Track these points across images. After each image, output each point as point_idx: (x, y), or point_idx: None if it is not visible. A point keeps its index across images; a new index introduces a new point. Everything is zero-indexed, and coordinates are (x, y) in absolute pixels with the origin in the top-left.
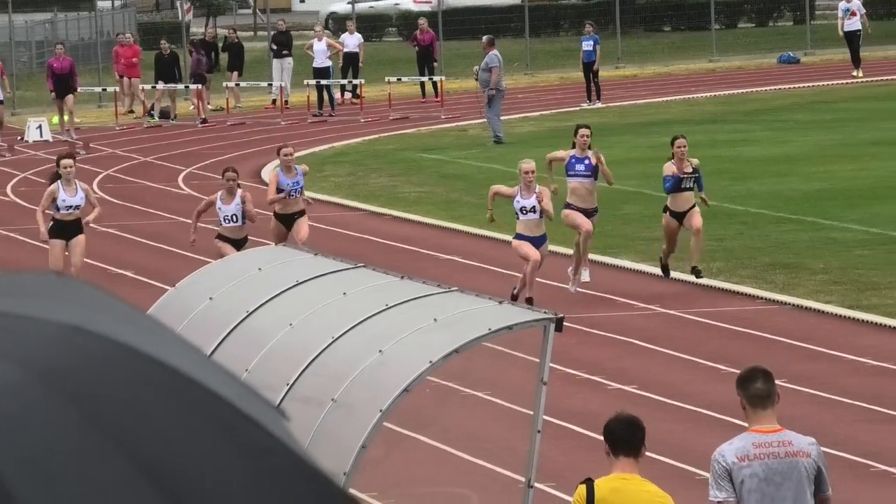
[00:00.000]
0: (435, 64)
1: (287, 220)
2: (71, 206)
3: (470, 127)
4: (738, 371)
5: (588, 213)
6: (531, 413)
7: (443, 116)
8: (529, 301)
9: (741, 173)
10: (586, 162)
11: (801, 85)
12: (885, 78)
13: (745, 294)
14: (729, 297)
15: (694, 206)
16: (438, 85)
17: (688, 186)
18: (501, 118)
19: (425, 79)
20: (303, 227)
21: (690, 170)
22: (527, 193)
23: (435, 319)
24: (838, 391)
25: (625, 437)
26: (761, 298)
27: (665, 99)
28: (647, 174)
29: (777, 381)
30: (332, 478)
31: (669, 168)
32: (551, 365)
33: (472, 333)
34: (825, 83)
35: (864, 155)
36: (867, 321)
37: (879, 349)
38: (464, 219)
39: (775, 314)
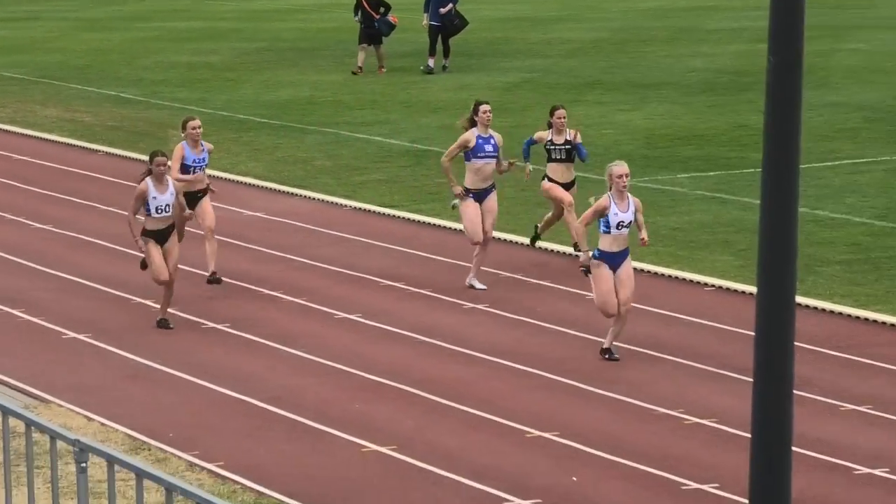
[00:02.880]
0: None
1: (190, 199)
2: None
3: None
4: None
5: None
6: None
7: None
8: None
9: None
10: (492, 142)
11: None
12: None
13: None
14: None
15: (574, 182)
16: None
17: (558, 157)
18: None
19: None
20: (208, 211)
21: (562, 141)
22: (621, 204)
23: None
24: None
25: None
26: None
27: None
28: None
29: None
30: None
31: (539, 136)
32: None
33: None
34: None
35: None
36: None
37: None
38: None
39: None
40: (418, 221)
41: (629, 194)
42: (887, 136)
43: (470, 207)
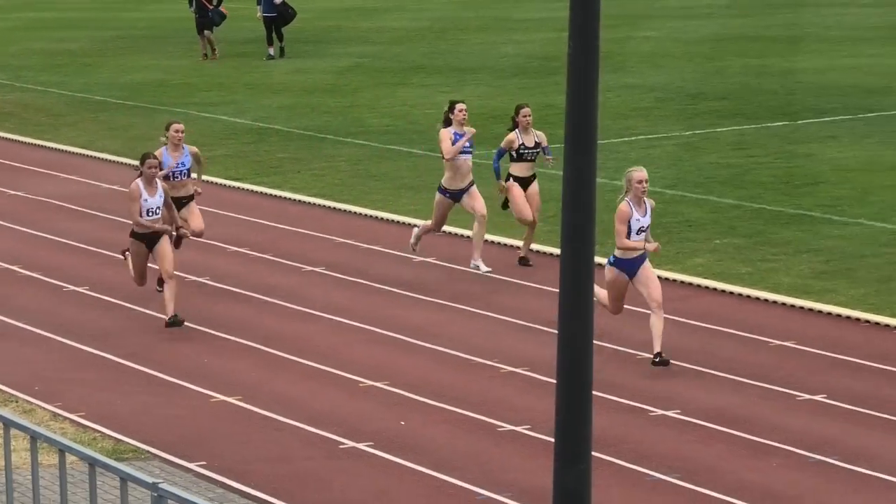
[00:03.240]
0: None
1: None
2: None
3: None
4: None
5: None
6: None
7: None
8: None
9: None
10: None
11: None
12: None
13: None
14: None
15: (534, 176)
16: None
17: (529, 158)
18: None
19: None
20: (195, 216)
21: (532, 144)
22: (640, 209)
23: None
24: None
25: None
26: None
27: None
28: None
29: None
30: None
31: (508, 141)
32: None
33: None
34: None
35: None
36: None
37: None
38: None
39: None
40: (260, 193)
41: (646, 198)
42: (676, 115)
43: (444, 204)
